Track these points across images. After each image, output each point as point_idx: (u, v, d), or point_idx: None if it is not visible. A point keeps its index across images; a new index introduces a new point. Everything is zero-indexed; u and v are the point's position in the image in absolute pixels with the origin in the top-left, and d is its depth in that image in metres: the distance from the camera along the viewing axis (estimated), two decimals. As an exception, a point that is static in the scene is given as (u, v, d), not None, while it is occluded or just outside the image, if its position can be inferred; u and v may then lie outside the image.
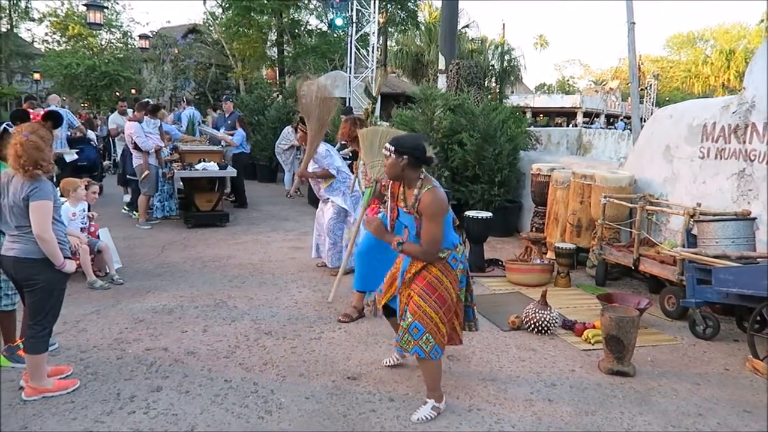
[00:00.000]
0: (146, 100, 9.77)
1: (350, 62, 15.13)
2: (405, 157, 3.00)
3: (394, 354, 3.79)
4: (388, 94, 18.32)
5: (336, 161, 5.72)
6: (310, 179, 6.02)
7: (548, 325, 4.38)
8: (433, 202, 2.95)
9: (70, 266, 3.21)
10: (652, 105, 34.45)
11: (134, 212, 8.61)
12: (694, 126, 5.66)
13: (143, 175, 7.98)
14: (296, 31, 21.10)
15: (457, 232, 3.27)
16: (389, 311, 3.51)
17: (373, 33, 15.16)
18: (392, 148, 3.02)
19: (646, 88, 35.28)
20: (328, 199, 5.80)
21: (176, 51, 23.76)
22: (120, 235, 6.95)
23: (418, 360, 3.18)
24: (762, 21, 40.61)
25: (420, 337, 3.04)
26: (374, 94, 6.62)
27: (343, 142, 6.42)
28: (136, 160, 8.04)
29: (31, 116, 3.25)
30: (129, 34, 25.63)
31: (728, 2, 67.19)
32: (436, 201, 2.96)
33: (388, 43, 29.85)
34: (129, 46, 25.37)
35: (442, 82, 11.19)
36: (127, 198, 9.40)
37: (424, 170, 3.10)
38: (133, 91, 23.79)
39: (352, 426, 3.06)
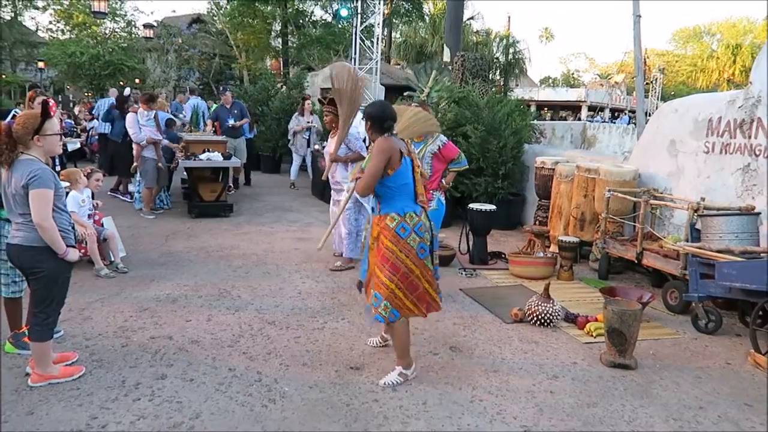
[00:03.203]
0: (158, 92, 9.78)
1: (355, 53, 15.09)
2: (368, 122, 3.43)
3: (379, 335, 3.99)
4: (392, 86, 18.23)
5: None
6: (335, 165, 5.85)
7: (551, 317, 4.40)
8: (376, 144, 3.35)
9: (73, 254, 3.19)
10: (657, 99, 34.25)
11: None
12: (699, 120, 5.64)
13: (132, 167, 8.03)
14: (301, 21, 21.06)
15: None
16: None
17: (378, 24, 15.09)
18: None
19: (651, 82, 35.07)
20: (342, 189, 5.77)
21: (180, 41, 23.71)
22: (124, 224, 6.97)
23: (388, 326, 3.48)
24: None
25: (379, 305, 3.32)
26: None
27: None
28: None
29: (50, 106, 3.20)
30: (133, 23, 25.58)
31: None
32: (379, 143, 3.33)
33: (393, 34, 29.77)
34: (133, 35, 25.30)
35: (446, 75, 11.14)
36: (131, 187, 9.47)
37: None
38: (137, 80, 23.76)
39: (355, 415, 3.09)
